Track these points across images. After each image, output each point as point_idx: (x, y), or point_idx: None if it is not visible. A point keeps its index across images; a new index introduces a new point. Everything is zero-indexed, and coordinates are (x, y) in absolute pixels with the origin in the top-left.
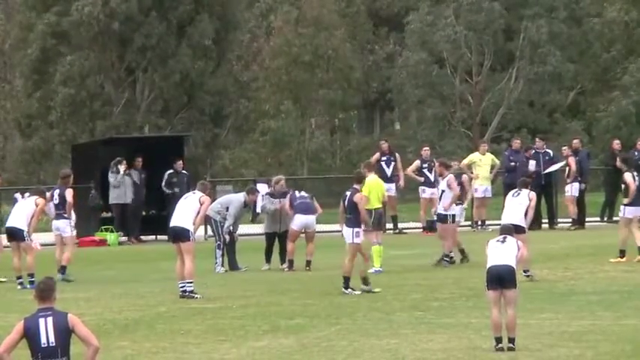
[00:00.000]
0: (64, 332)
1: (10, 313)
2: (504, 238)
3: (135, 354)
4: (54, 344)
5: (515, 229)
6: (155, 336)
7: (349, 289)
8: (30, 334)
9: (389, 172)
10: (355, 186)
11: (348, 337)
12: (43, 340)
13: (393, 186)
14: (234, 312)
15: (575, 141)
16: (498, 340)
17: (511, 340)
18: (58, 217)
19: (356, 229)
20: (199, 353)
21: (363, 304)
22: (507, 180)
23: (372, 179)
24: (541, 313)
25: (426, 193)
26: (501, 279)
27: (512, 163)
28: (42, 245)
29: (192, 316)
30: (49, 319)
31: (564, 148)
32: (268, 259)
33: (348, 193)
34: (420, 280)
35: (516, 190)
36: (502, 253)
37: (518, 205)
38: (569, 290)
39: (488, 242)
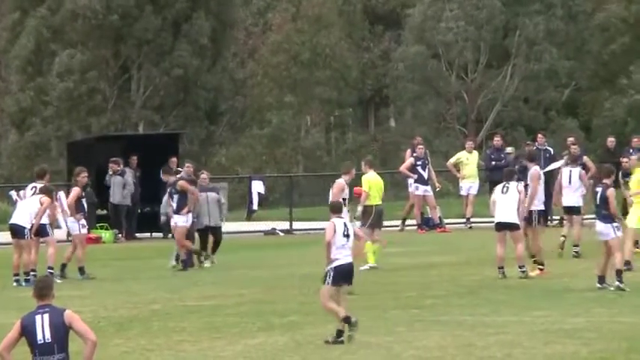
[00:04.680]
0: (60, 328)
1: (9, 310)
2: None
3: (130, 351)
4: (50, 340)
5: (510, 227)
6: (150, 333)
7: (604, 284)
8: (27, 331)
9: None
10: (605, 181)
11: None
12: (40, 336)
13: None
14: (229, 310)
15: (569, 139)
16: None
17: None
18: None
19: (615, 224)
20: (194, 351)
21: (357, 301)
22: (490, 178)
23: (372, 176)
24: (536, 310)
25: (419, 190)
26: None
27: (493, 162)
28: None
29: (187, 314)
30: (45, 316)
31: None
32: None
33: (599, 190)
34: (414, 277)
35: (504, 183)
36: (347, 251)
37: (509, 201)
38: (564, 287)
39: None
